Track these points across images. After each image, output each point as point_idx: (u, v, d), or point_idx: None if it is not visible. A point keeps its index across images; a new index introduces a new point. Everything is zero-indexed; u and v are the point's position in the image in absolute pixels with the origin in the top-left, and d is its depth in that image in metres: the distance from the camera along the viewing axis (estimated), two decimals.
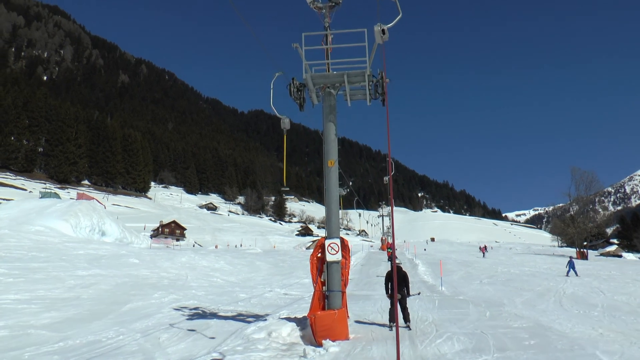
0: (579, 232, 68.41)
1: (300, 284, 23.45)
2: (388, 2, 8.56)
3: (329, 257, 9.69)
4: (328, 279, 9.83)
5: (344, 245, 10.09)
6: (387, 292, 11.08)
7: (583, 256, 62.37)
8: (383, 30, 7.81)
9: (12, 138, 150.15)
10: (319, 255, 10.12)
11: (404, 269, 11.80)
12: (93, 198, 59.69)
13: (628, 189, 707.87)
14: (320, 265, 10.05)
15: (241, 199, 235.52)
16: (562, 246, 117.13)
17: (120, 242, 43.48)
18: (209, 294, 18.61)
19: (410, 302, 15.12)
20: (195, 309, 14.60)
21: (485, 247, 63.94)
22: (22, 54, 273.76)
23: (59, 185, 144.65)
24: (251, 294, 19.11)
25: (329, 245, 9.74)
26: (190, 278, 23.97)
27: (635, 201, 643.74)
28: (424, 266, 34.44)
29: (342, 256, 9.93)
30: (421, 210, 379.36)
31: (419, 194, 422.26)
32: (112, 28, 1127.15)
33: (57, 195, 64.55)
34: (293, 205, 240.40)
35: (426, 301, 16.11)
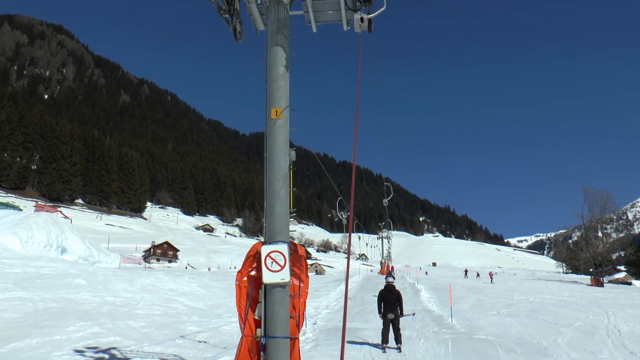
0: (594, 257, 63.99)
1: None
2: None
3: (268, 277, 5.34)
4: (266, 316, 5.46)
5: (297, 257, 5.77)
6: (379, 312, 10.98)
7: (598, 283, 58.13)
8: (362, 19, 5.76)
9: (5, 155, 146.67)
10: (253, 273, 5.79)
11: (397, 288, 11.23)
12: (57, 210, 55.06)
13: (630, 216, 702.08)
14: (254, 292, 5.71)
15: (239, 220, 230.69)
16: (567, 272, 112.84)
17: (85, 261, 38.94)
18: (149, 326, 14.26)
19: (413, 346, 10.93)
20: (106, 351, 10.28)
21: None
22: (24, 72, 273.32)
23: (51, 204, 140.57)
24: (206, 327, 14.76)
25: (268, 255, 5.41)
26: (143, 304, 19.60)
27: (638, 228, 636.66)
28: (428, 292, 29.93)
29: (294, 274, 5.62)
30: (422, 234, 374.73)
31: (421, 219, 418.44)
32: (116, 48, 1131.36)
33: (15, 207, 58.45)
34: (292, 227, 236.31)
35: (434, 342, 11.74)
